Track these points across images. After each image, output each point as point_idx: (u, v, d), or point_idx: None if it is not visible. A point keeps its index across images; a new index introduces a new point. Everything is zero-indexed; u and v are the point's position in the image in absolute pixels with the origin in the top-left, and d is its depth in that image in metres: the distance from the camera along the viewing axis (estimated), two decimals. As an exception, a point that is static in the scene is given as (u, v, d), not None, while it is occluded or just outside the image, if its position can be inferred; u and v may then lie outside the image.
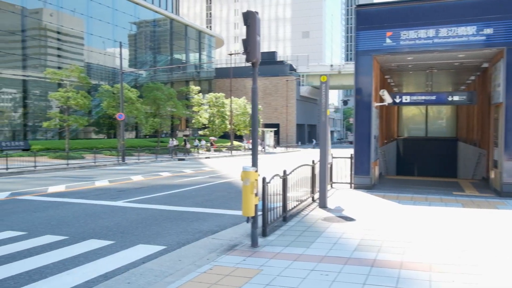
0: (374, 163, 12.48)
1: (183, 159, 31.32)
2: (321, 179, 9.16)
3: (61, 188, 13.96)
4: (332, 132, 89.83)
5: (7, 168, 19.39)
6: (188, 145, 35.45)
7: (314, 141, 64.06)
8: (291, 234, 6.59)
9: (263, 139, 48.56)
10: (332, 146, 11.83)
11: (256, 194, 5.75)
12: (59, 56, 36.55)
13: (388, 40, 11.60)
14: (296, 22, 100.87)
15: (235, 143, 46.86)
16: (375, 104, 12.43)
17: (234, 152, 40.26)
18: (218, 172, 19.94)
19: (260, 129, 49.15)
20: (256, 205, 5.77)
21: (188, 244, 6.30)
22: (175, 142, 34.00)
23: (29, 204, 10.54)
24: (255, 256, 5.45)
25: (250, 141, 26.05)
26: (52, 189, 13.66)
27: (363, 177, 12.01)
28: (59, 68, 32.40)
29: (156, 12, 48.34)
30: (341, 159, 12.87)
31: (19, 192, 12.89)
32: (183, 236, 6.98)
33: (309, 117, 74.35)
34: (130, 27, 45.47)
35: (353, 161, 12.16)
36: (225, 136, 50.56)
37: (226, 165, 24.80)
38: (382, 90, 12.54)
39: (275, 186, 6.80)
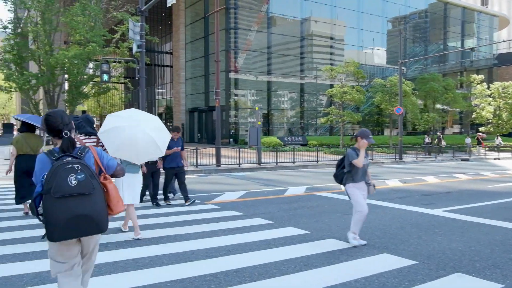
0: None
1: (467, 159, 26.75)
2: None
3: (352, 185, 12.74)
4: None
5: (293, 162, 20.03)
6: (443, 143, 30.73)
7: None
8: None
9: None
10: None
11: None
12: (326, 58, 37.53)
13: None
14: None
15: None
16: None
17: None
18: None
19: None
20: None
21: None
22: (428, 139, 30.40)
23: (330, 202, 9.47)
24: None
25: None
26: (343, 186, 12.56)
27: None
28: (331, 65, 32.83)
29: None
30: None
31: (314, 187, 12.27)
32: None
33: None
34: (390, 23, 42.85)
35: None
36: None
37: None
38: None
39: None
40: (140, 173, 6.57)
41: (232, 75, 32.83)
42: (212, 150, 18.71)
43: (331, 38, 38.14)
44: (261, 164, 18.85)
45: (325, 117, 29.18)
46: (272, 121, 35.52)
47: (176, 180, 9.39)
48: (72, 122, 3.05)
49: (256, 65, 34.61)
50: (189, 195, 9.05)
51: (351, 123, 35.59)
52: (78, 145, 2.98)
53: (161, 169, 9.08)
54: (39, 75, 21.85)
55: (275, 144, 27.30)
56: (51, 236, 2.70)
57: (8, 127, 39.09)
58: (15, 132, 35.04)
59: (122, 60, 24.25)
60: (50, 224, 2.66)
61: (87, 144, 4.22)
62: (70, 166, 2.70)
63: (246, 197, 10.25)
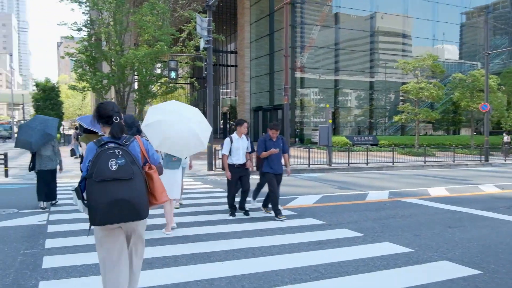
0: None
1: None
2: None
3: (441, 191, 11.26)
4: None
5: (367, 163, 18.63)
6: None
7: None
8: None
9: None
10: None
11: None
12: (394, 54, 35.28)
13: None
14: None
15: None
16: None
17: None
18: None
19: None
20: None
21: None
22: (507, 139, 26.72)
23: (424, 211, 8.19)
24: None
25: None
26: (432, 191, 11.12)
27: None
28: (408, 60, 30.66)
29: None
30: None
31: (397, 192, 10.96)
32: None
33: None
34: (464, 15, 39.36)
35: None
36: None
37: None
38: None
39: None
40: (181, 169, 6.52)
41: (298, 74, 31.82)
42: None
43: (399, 34, 35.82)
44: (332, 165, 17.69)
45: (398, 115, 27.23)
46: (339, 120, 34.06)
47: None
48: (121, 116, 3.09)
49: (321, 63, 33.34)
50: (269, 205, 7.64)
51: (424, 122, 33.21)
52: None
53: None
54: (110, 75, 22.30)
55: (343, 144, 25.90)
56: (93, 220, 2.75)
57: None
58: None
59: (189, 58, 24.15)
60: (92, 208, 2.73)
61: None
62: (111, 151, 2.77)
63: (323, 202, 9.25)
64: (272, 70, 36.14)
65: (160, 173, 3.13)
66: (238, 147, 7.31)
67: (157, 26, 21.81)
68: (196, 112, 5.99)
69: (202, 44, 15.29)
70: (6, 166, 13.51)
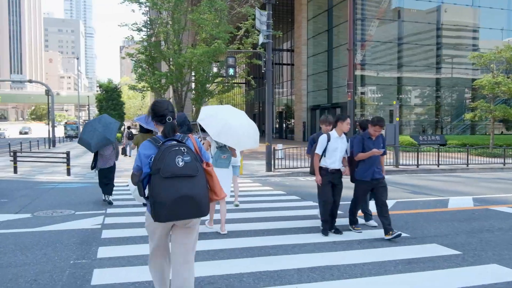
0: None
1: None
2: None
3: (536, 198, 9.77)
4: None
5: (438, 164, 17.06)
6: None
7: None
8: None
9: None
10: None
11: None
12: (460, 49, 32.71)
13: None
14: None
15: None
16: None
17: None
18: None
19: None
20: None
21: None
22: None
23: (525, 223, 6.95)
24: None
25: None
26: None
27: None
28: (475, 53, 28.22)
29: None
30: None
31: (482, 199, 9.61)
32: None
33: None
34: None
35: None
36: None
37: None
38: None
39: None
40: (231, 168, 6.35)
41: (358, 72, 30.37)
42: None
43: (465, 26, 33.10)
44: (399, 166, 16.37)
45: (469, 113, 25.05)
46: (401, 119, 32.13)
47: (371, 198, 6.50)
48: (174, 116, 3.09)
49: (381, 60, 31.60)
50: (390, 224, 5.73)
51: (495, 120, 30.53)
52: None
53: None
54: (168, 74, 22.34)
55: (408, 144, 24.21)
56: (157, 216, 2.73)
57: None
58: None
59: (246, 56, 23.68)
60: (157, 204, 2.71)
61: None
62: (177, 148, 2.78)
63: (400, 209, 8.21)
64: (330, 67, 34.90)
65: None
66: (336, 147, 5.90)
67: (214, 24, 21.53)
68: (245, 116, 6.37)
69: (261, 39, 14.64)
70: (68, 164, 13.65)
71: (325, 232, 5.93)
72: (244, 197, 9.39)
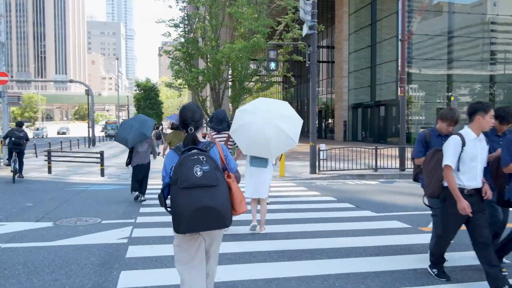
0: None
1: None
2: None
3: None
4: None
5: None
6: None
7: None
8: None
9: None
10: None
11: None
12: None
13: None
14: None
15: None
16: None
17: None
18: None
19: None
20: None
21: None
22: None
23: None
24: None
25: None
26: None
27: None
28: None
29: None
30: None
31: None
32: None
33: None
34: None
35: None
36: None
37: None
38: None
39: None
40: (270, 167, 5.95)
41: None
42: (389, 151, 15.31)
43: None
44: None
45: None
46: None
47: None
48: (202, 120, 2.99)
49: (429, 55, 29.57)
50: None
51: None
52: (204, 140, 2.97)
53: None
54: (206, 71, 21.60)
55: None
56: (177, 227, 2.66)
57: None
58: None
59: (286, 52, 22.58)
60: (176, 215, 2.64)
61: (216, 141, 3.64)
62: (196, 157, 2.70)
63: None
64: (373, 63, 33.16)
65: (238, 181, 2.93)
66: (475, 155, 3.81)
67: (253, 19, 20.56)
68: (284, 105, 5.84)
69: (305, 30, 13.48)
70: (102, 165, 13.04)
71: (441, 275, 4.18)
72: (289, 204, 8.31)
